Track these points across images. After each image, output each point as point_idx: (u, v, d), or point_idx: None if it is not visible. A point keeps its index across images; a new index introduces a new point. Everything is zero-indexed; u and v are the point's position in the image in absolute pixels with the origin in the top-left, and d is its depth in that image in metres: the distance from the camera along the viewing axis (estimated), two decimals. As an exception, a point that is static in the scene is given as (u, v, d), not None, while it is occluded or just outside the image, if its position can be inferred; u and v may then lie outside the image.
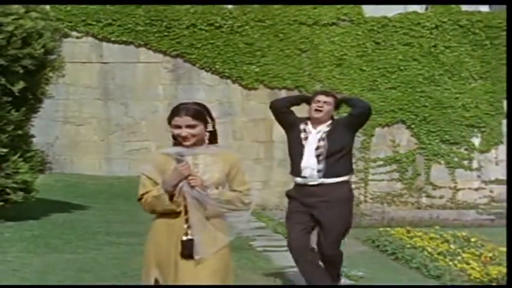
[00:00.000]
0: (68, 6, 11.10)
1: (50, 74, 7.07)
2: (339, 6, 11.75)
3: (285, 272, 4.91)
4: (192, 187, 2.56)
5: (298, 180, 4.20)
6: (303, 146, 4.17)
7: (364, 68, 11.81)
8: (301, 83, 11.56)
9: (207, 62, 11.46)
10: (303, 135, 4.20)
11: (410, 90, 11.92)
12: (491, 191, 12.02)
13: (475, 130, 12.05)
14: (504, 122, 12.02)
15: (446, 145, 11.99)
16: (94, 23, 11.12)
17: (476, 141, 12.06)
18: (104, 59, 11.30)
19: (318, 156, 4.12)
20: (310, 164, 4.13)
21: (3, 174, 6.38)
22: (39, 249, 5.34)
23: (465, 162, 12.05)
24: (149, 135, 11.23)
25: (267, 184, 11.21)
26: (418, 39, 11.92)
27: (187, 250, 2.54)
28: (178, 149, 2.64)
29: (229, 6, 11.49)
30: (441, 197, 11.91)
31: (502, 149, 12.05)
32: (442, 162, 11.98)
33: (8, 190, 6.39)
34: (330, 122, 4.22)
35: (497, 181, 12.02)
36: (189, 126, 2.61)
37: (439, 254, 6.11)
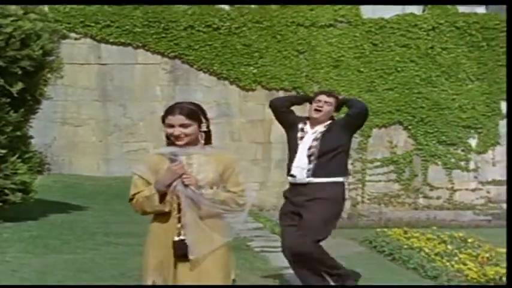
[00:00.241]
0: (67, 7, 11.11)
1: (49, 75, 7.10)
2: (336, 7, 11.78)
3: (282, 273, 4.92)
4: (186, 186, 2.54)
5: (289, 179, 4.21)
6: (298, 146, 4.17)
7: (361, 69, 11.85)
8: (299, 84, 11.59)
9: (205, 63, 11.49)
10: (299, 134, 4.19)
11: (408, 91, 11.96)
12: (488, 192, 12.07)
13: (472, 131, 12.10)
14: (501, 122, 12.08)
15: (443, 146, 12.03)
16: (92, 24, 11.14)
17: (473, 142, 12.10)
18: (102, 60, 11.32)
19: (309, 156, 4.11)
20: (300, 163, 4.13)
21: (1, 175, 6.39)
22: (37, 250, 5.35)
23: (462, 163, 12.09)
24: (147, 136, 11.25)
25: (264, 185, 11.24)
26: (415, 41, 11.96)
27: (180, 250, 2.52)
28: (172, 148, 2.62)
29: (227, 8, 11.52)
30: (438, 198, 11.95)
31: (499, 150, 12.09)
32: (439, 163, 12.02)
33: (6, 191, 6.41)
34: (328, 122, 4.20)
35: (494, 182, 12.07)
36: (182, 126, 2.59)
37: (436, 254, 6.09)
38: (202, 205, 2.54)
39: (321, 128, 4.17)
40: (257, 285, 4.54)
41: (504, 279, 5.17)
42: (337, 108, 4.30)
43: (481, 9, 12.50)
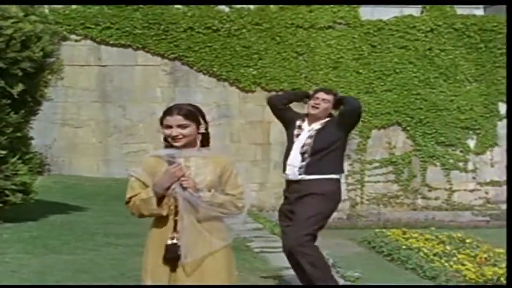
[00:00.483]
0: (67, 9, 11.14)
1: (49, 77, 7.11)
2: (335, 9, 11.81)
3: (282, 273, 4.93)
4: (185, 189, 2.50)
5: (283, 176, 4.23)
6: (293, 143, 4.16)
7: (360, 70, 11.88)
8: (298, 85, 11.61)
9: (205, 64, 11.52)
10: (296, 132, 4.18)
11: (406, 92, 11.99)
12: (486, 193, 12.10)
13: (470, 132, 12.13)
14: (499, 124, 12.12)
15: (441, 147, 12.06)
16: (92, 26, 11.17)
17: (471, 143, 12.13)
18: (102, 61, 11.34)
19: (302, 153, 4.09)
20: (293, 161, 4.11)
21: (2, 176, 6.38)
22: (37, 250, 5.34)
23: (460, 164, 12.12)
24: (147, 137, 11.27)
25: (263, 186, 11.26)
26: (413, 42, 12.00)
27: (170, 254, 2.48)
28: (170, 151, 2.58)
29: (227, 10, 11.55)
30: (437, 199, 11.97)
31: (497, 150, 12.13)
32: (438, 164, 12.04)
33: (6, 192, 6.39)
34: (325, 120, 4.17)
35: (492, 183, 12.10)
36: (180, 126, 2.55)
37: (434, 255, 6.14)
38: (200, 208, 2.51)
39: (317, 126, 4.15)
40: (257, 286, 4.54)
41: (502, 279, 5.21)
42: (335, 106, 4.26)
43: (479, 11, 12.55)
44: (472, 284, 5.17)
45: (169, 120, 2.56)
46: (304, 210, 4.02)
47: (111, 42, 11.25)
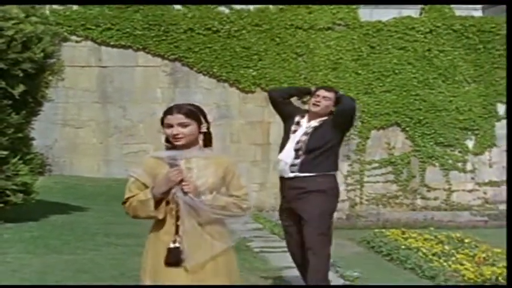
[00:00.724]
0: (68, 11, 11.17)
1: (50, 78, 7.15)
2: (334, 11, 11.85)
3: (281, 273, 4.94)
4: (185, 193, 2.46)
5: (277, 171, 4.21)
6: (289, 139, 4.12)
7: (359, 71, 11.92)
8: (298, 86, 11.64)
9: (205, 65, 11.55)
10: (293, 127, 4.13)
11: (405, 93, 12.02)
12: (484, 193, 12.13)
13: (469, 133, 12.16)
14: (497, 124, 12.16)
15: (440, 147, 12.09)
16: (93, 27, 11.20)
17: (470, 143, 12.16)
18: (103, 62, 11.37)
19: (296, 150, 4.04)
20: (285, 157, 4.07)
21: (3, 176, 6.41)
22: (38, 250, 5.36)
23: (459, 164, 12.15)
24: (147, 137, 11.31)
25: (263, 186, 11.29)
26: (412, 44, 12.03)
27: (172, 258, 2.44)
28: (171, 152, 2.54)
29: (227, 11, 11.59)
30: (436, 199, 12.00)
31: (495, 151, 12.17)
32: (437, 164, 12.07)
33: (8, 192, 6.42)
34: (324, 118, 4.13)
35: (490, 183, 12.13)
36: (181, 125, 2.51)
37: (433, 254, 6.16)
38: (201, 212, 2.47)
39: (314, 123, 4.11)
40: (257, 285, 4.54)
41: (501, 279, 5.22)
42: (335, 104, 4.22)
43: (477, 13, 12.61)
44: (470, 283, 5.17)
45: (170, 119, 2.53)
46: (311, 210, 3.96)
47: (111, 43, 11.29)
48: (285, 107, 4.26)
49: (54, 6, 11.00)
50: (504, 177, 12.00)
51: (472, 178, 12.15)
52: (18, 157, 6.53)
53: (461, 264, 5.61)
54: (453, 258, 5.96)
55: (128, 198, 2.52)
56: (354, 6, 11.91)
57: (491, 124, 12.18)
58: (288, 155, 4.07)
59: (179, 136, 2.51)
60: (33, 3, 6.89)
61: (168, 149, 2.58)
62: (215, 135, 2.74)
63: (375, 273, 5.59)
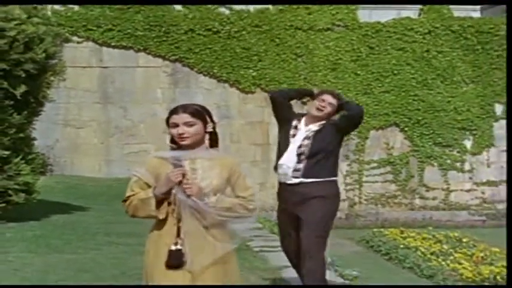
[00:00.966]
0: (69, 12, 11.23)
1: (51, 78, 7.17)
2: (333, 12, 11.91)
3: (281, 272, 4.95)
4: (188, 196, 2.41)
5: (277, 176, 4.10)
6: (288, 143, 4.03)
7: (358, 72, 11.96)
8: (297, 86, 11.62)
9: (205, 66, 11.60)
10: (292, 131, 4.06)
11: (404, 94, 12.07)
12: (482, 193, 12.17)
13: (467, 133, 12.21)
14: (495, 124, 12.22)
15: (439, 147, 12.14)
16: (94, 28, 11.25)
17: (468, 143, 12.21)
18: (104, 63, 11.42)
19: (299, 155, 3.97)
20: (287, 161, 3.98)
21: (5, 176, 6.45)
22: (40, 250, 5.38)
23: (457, 164, 12.20)
24: (148, 137, 11.35)
25: (263, 186, 11.31)
26: (411, 44, 12.08)
27: (174, 260, 2.40)
28: (176, 152, 2.50)
29: (227, 12, 11.64)
30: (434, 198, 12.04)
31: (493, 151, 12.23)
32: (435, 164, 12.12)
33: (10, 192, 6.46)
34: (322, 122, 4.08)
35: (488, 183, 12.18)
36: (186, 124, 2.47)
37: (431, 254, 6.18)
38: (207, 214, 2.42)
39: (314, 127, 4.05)
40: (257, 285, 4.53)
41: (498, 278, 5.24)
42: (337, 110, 4.20)
43: (475, 14, 12.67)
44: (468, 282, 5.18)
45: (175, 118, 2.49)
46: (312, 213, 3.92)
47: (112, 44, 11.34)
48: (285, 109, 4.17)
49: (56, 7, 11.05)
50: (502, 177, 12.05)
51: (470, 178, 12.19)
52: (20, 157, 6.57)
53: (460, 264, 5.63)
54: (451, 258, 5.99)
55: (129, 196, 2.49)
56: (353, 7, 11.96)
57: (489, 124, 12.22)
58: (290, 159, 3.99)
59: (185, 135, 2.47)
60: (34, 3, 6.91)
61: (173, 149, 2.54)
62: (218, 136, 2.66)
63: (374, 272, 5.61)
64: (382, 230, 7.81)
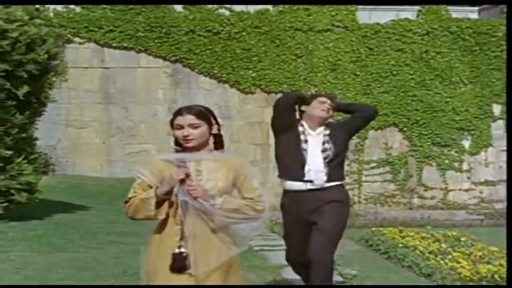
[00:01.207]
0: (71, 13, 11.29)
1: (53, 79, 7.16)
2: (333, 13, 11.97)
3: (281, 271, 4.97)
4: (194, 198, 2.36)
5: (299, 184, 3.84)
6: (303, 149, 3.86)
7: (357, 72, 12.01)
8: (297, 87, 11.72)
9: (206, 67, 11.65)
10: (302, 137, 3.89)
11: (403, 94, 12.12)
12: (480, 192, 12.22)
13: (465, 133, 12.26)
14: (493, 125, 12.28)
15: (437, 147, 12.18)
16: (96, 29, 11.31)
17: (466, 143, 12.26)
18: (106, 64, 11.48)
19: (324, 158, 3.86)
20: (316, 166, 3.84)
21: (7, 176, 6.48)
22: (42, 248, 5.41)
23: (456, 164, 12.25)
24: (149, 138, 11.40)
25: (263, 185, 11.29)
26: (409, 45, 12.13)
27: (178, 263, 2.35)
28: (180, 155, 2.45)
29: (227, 13, 11.69)
30: (432, 198, 12.09)
31: (491, 151, 12.28)
32: (434, 164, 12.17)
33: (12, 191, 6.49)
34: (325, 124, 3.98)
35: (486, 182, 12.23)
36: (191, 126, 2.43)
37: (430, 253, 6.21)
38: (214, 216, 2.37)
39: (324, 131, 3.95)
40: (257, 285, 4.53)
41: (496, 276, 5.27)
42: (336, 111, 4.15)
43: (473, 15, 12.74)
44: (466, 281, 5.19)
45: (180, 120, 2.45)
46: (329, 217, 3.81)
47: (114, 45, 11.39)
48: (292, 114, 3.97)
49: (58, 9, 11.11)
50: (500, 177, 12.12)
51: (468, 178, 12.24)
52: (22, 157, 6.60)
53: (458, 262, 5.66)
54: (450, 257, 6.02)
55: (131, 198, 2.45)
56: (353, 9, 12.02)
57: (487, 124, 12.28)
58: (317, 164, 3.84)
59: (190, 138, 2.43)
60: (35, 3, 6.95)
61: (177, 152, 2.49)
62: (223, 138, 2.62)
63: (373, 271, 5.62)
64: (381, 229, 7.84)
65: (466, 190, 12.19)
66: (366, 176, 11.94)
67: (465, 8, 12.91)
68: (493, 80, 12.28)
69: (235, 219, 2.42)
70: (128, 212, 2.45)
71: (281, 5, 11.85)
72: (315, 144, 3.88)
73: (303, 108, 3.98)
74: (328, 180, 3.85)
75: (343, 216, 3.92)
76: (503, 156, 12.13)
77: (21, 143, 6.69)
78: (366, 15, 12.08)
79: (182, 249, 2.36)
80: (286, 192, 3.94)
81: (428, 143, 12.14)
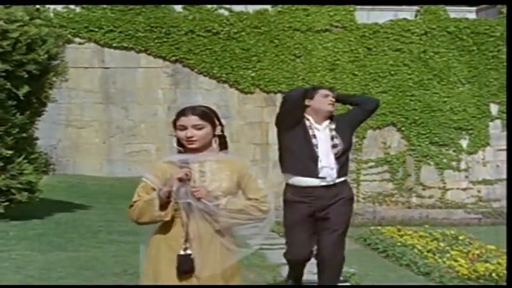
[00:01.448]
0: (71, 13, 11.33)
1: (54, 79, 7.17)
2: (331, 13, 12.02)
3: (280, 270, 4.98)
4: (198, 199, 2.33)
5: (311, 180, 3.76)
6: (314, 144, 3.77)
7: (356, 72, 12.05)
8: (296, 87, 11.74)
9: (205, 67, 11.69)
10: (310, 132, 3.80)
11: (401, 94, 12.16)
12: (478, 191, 12.27)
13: (463, 132, 12.31)
14: (491, 124, 12.34)
15: (435, 147, 12.23)
16: (96, 29, 11.35)
17: (464, 143, 12.31)
18: (106, 64, 11.51)
19: (335, 154, 3.80)
20: (328, 162, 3.77)
21: (8, 175, 6.51)
22: (42, 247, 5.42)
23: (453, 163, 12.29)
24: (148, 137, 11.44)
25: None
26: (408, 45, 12.18)
27: (185, 265, 2.32)
28: (183, 156, 2.42)
29: (226, 13, 11.73)
30: (430, 197, 12.14)
31: (489, 150, 12.33)
32: (432, 163, 12.21)
33: (13, 190, 6.52)
34: (330, 118, 3.91)
35: (484, 181, 12.28)
36: (195, 127, 2.39)
37: (428, 251, 6.19)
38: (219, 217, 2.34)
39: (330, 125, 3.88)
40: (257, 285, 4.52)
41: (494, 275, 5.29)
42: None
43: (471, 15, 12.79)
44: (464, 279, 5.18)
45: (183, 120, 2.41)
46: (340, 215, 3.79)
47: (114, 45, 11.43)
48: (301, 110, 3.85)
49: (58, 9, 11.15)
50: (497, 176, 12.18)
51: (466, 177, 12.29)
52: (22, 156, 6.64)
53: (456, 261, 5.65)
54: (448, 255, 6.00)
55: (135, 202, 2.41)
56: (351, 9, 12.07)
57: (484, 124, 12.32)
58: (330, 160, 3.79)
59: (193, 139, 2.39)
60: (35, 4, 6.98)
61: (179, 152, 2.46)
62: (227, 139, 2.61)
63: (371, 269, 5.62)
64: (379, 228, 7.82)
65: (464, 189, 12.25)
66: (365, 175, 11.98)
67: (463, 8, 12.97)
68: (491, 79, 12.33)
69: (240, 220, 2.38)
70: (133, 216, 2.42)
71: (280, 5, 11.90)
72: (323, 139, 3.81)
73: (307, 102, 3.89)
74: (338, 176, 3.81)
75: (351, 213, 3.92)
76: (501, 156, 12.19)
77: (22, 143, 6.72)
78: (364, 15, 12.13)
79: (188, 251, 2.32)
80: (293, 188, 3.83)
81: (426, 143, 12.19)
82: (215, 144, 2.44)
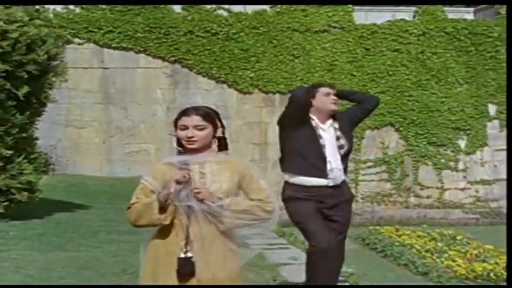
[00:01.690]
0: (70, 14, 11.34)
1: (53, 79, 7.18)
2: (330, 14, 12.04)
3: (279, 269, 5.00)
4: (201, 201, 2.29)
5: (318, 181, 3.73)
6: (321, 145, 3.74)
7: (354, 73, 12.08)
8: (294, 87, 11.74)
9: (204, 67, 11.71)
10: (317, 131, 3.76)
11: (399, 94, 12.19)
12: (476, 191, 12.30)
13: (461, 133, 12.34)
14: (488, 124, 12.37)
15: (433, 147, 12.26)
16: (95, 30, 11.37)
17: (462, 143, 12.35)
18: (105, 64, 11.53)
19: (341, 155, 3.80)
20: (337, 164, 3.76)
21: (8, 175, 6.51)
22: (42, 247, 5.42)
23: (451, 164, 12.32)
24: (148, 137, 11.46)
25: (262, 185, 11.40)
26: (406, 46, 12.21)
27: (185, 268, 2.28)
28: (183, 157, 2.38)
29: (225, 14, 11.75)
30: (428, 197, 12.16)
31: (487, 150, 12.37)
32: (430, 163, 12.24)
33: (13, 190, 6.52)
34: (332, 116, 3.87)
35: (482, 181, 12.31)
36: (196, 127, 2.36)
37: (426, 251, 6.24)
38: (223, 218, 2.30)
39: (332, 123, 3.84)
40: (257, 285, 4.53)
41: (492, 275, 5.32)
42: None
43: (469, 16, 12.84)
44: (462, 279, 5.21)
45: (185, 120, 2.37)
46: (345, 216, 3.83)
47: (113, 45, 11.45)
48: (308, 109, 3.79)
49: (58, 10, 11.16)
50: (495, 176, 12.22)
51: (464, 177, 12.32)
52: (22, 156, 6.63)
53: (454, 261, 5.68)
54: (445, 255, 6.04)
55: (133, 203, 2.37)
56: (349, 10, 12.10)
57: (482, 124, 12.36)
58: (337, 161, 3.77)
59: (194, 139, 2.36)
60: (35, 4, 6.99)
61: (179, 152, 2.42)
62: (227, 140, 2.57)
63: (370, 269, 5.64)
64: (377, 227, 7.85)
65: (462, 189, 12.27)
66: (363, 175, 12.01)
67: (461, 9, 13.01)
68: (489, 80, 12.37)
69: (245, 221, 2.34)
70: (131, 218, 2.37)
71: (278, 6, 11.93)
72: (328, 139, 3.77)
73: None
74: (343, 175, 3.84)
75: (351, 214, 3.98)
76: (499, 156, 12.22)
77: (22, 143, 6.72)
78: (362, 16, 12.16)
79: (189, 254, 2.29)
80: (295, 186, 3.77)
81: (424, 143, 12.22)
82: (214, 146, 2.42)
